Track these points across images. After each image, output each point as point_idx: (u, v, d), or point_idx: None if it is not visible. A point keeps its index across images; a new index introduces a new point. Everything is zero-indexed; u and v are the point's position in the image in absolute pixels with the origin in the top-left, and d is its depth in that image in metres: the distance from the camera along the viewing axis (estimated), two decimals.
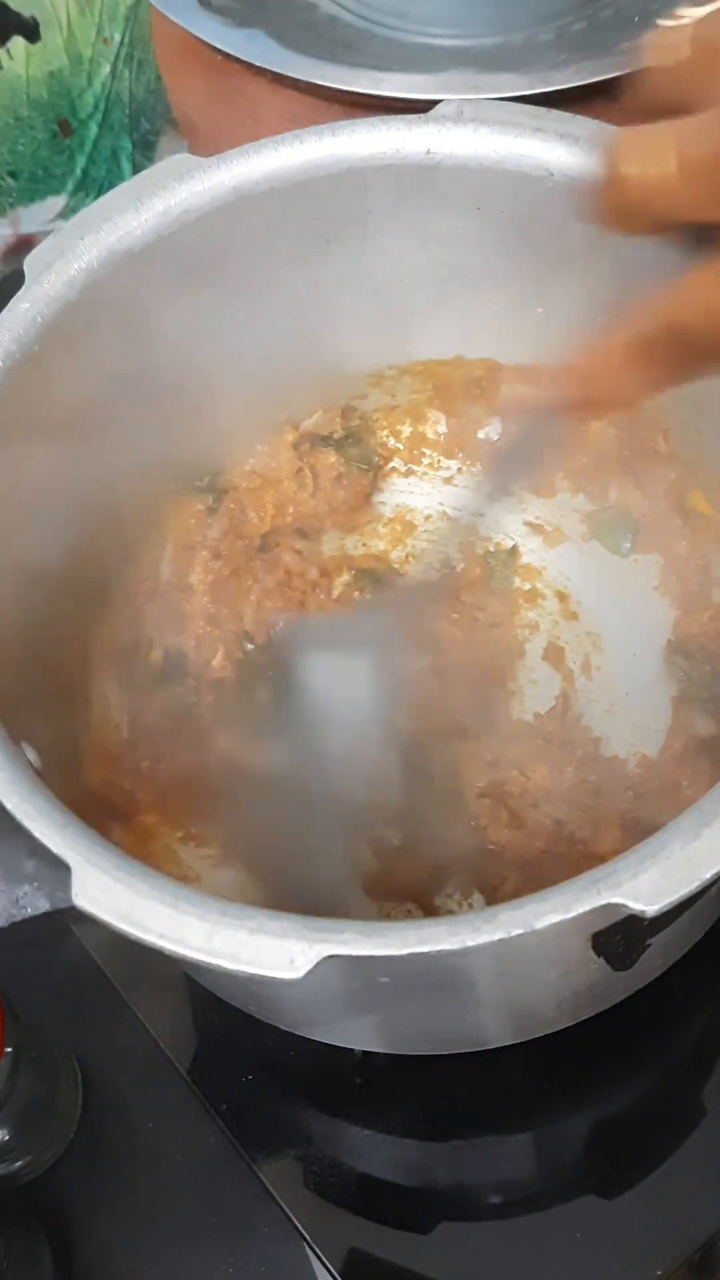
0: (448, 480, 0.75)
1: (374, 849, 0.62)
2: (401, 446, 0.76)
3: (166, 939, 0.42)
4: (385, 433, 0.75)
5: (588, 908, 0.41)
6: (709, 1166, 0.61)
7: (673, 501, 0.68)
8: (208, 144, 0.73)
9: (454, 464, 0.76)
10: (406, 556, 0.75)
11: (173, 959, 0.42)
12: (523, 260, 0.63)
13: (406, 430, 0.75)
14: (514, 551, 0.72)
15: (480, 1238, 0.61)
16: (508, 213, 0.61)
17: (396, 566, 0.74)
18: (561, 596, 0.71)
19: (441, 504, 0.75)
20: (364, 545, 0.75)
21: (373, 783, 0.61)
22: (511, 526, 0.73)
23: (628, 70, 0.62)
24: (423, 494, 0.76)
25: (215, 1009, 0.61)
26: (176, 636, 0.70)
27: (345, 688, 0.59)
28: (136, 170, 0.88)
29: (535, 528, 0.73)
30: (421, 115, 0.60)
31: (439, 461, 0.76)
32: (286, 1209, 0.61)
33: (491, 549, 0.72)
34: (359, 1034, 0.60)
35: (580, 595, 0.71)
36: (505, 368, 0.70)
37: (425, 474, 0.76)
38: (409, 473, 0.76)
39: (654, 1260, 0.59)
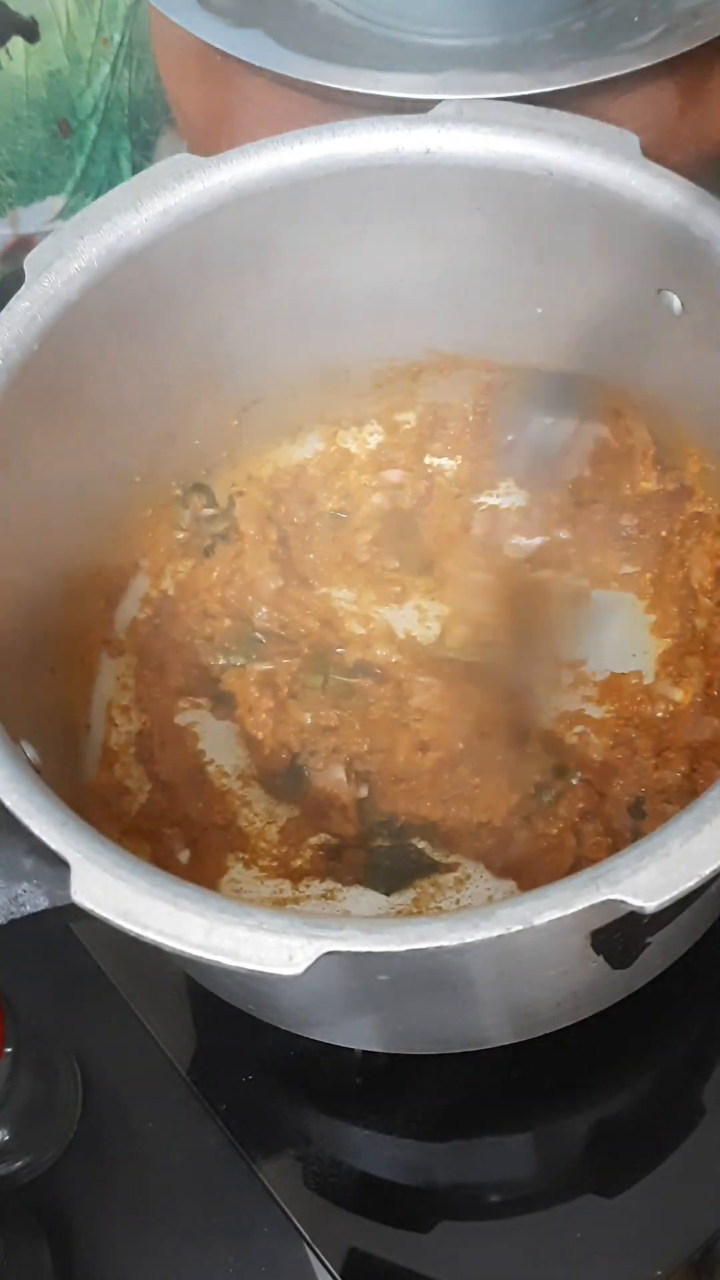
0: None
1: None
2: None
3: (165, 935, 0.42)
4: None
5: (587, 904, 0.41)
6: (709, 1166, 0.61)
7: None
8: (208, 144, 0.72)
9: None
10: None
11: (172, 958, 0.42)
12: (523, 260, 0.64)
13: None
14: None
15: (480, 1238, 0.61)
16: (508, 213, 0.61)
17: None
18: None
19: None
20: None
21: None
22: None
23: (628, 70, 0.62)
24: None
25: (215, 1009, 0.61)
26: None
27: None
28: (136, 170, 0.88)
29: None
30: (421, 115, 0.60)
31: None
32: (286, 1209, 0.61)
33: None
34: (359, 1034, 0.60)
35: None
36: (502, 367, 0.71)
37: None
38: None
39: (654, 1260, 0.58)
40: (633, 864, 0.41)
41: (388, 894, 0.64)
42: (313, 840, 0.65)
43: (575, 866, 0.62)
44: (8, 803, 0.45)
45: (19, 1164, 0.62)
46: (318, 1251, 0.60)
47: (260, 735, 0.67)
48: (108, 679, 0.69)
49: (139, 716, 0.68)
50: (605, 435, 0.70)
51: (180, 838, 0.65)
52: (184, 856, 0.65)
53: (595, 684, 0.68)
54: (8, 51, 0.82)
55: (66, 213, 0.90)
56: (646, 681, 0.67)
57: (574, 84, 0.61)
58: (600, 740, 0.65)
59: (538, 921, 0.40)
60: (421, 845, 0.65)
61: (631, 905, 0.41)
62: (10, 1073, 0.57)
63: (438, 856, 0.65)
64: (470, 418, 0.74)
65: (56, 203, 0.90)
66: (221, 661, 0.70)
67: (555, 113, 0.59)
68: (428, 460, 0.76)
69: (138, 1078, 0.65)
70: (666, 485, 0.70)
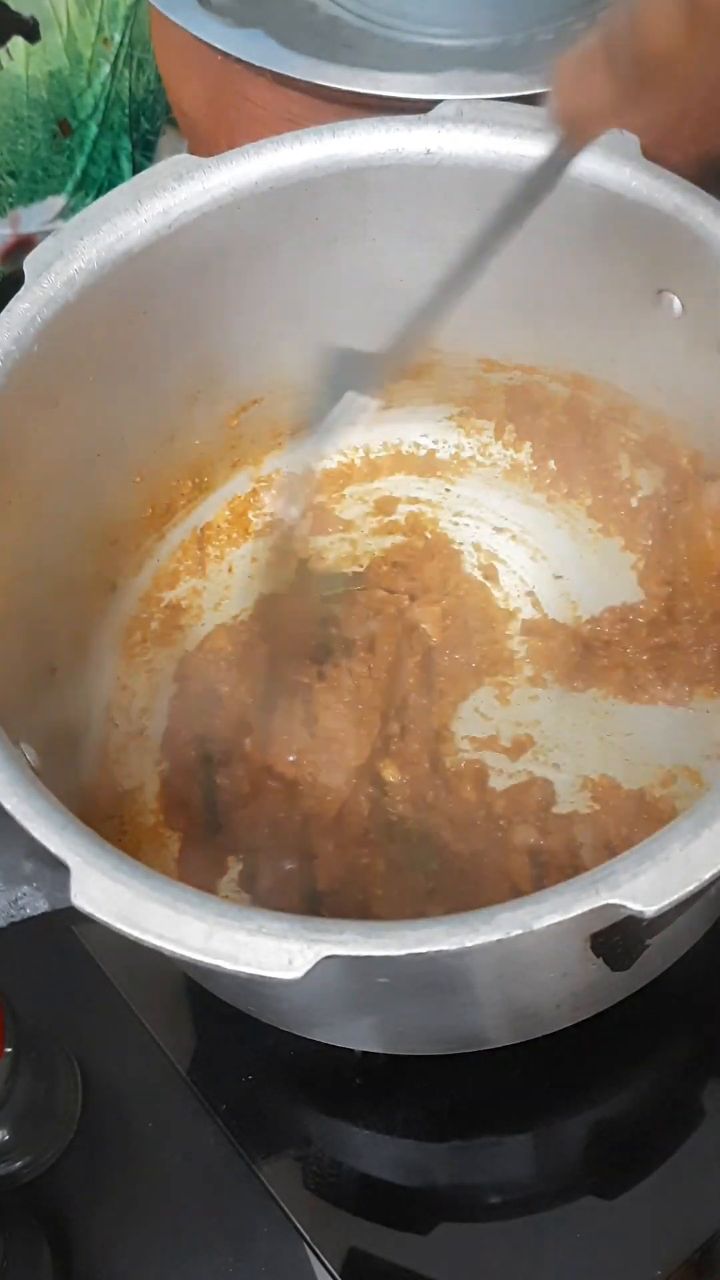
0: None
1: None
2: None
3: (165, 940, 0.42)
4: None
5: (586, 908, 0.41)
6: (709, 1166, 0.61)
7: None
8: (208, 144, 0.73)
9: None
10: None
11: (172, 959, 0.42)
12: (522, 260, 0.63)
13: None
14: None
15: (480, 1238, 0.61)
16: None
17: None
18: None
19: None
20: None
21: None
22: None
23: None
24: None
25: (215, 1009, 0.61)
26: None
27: None
28: (136, 170, 0.88)
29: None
30: (421, 115, 0.60)
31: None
32: (286, 1209, 0.61)
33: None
34: (359, 1034, 0.60)
35: None
36: (503, 367, 0.71)
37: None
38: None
39: (654, 1260, 0.59)
40: (632, 868, 0.41)
41: None
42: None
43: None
44: (8, 806, 0.45)
45: (19, 1164, 0.62)
46: (318, 1251, 0.60)
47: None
48: (108, 679, 0.69)
49: (140, 716, 0.69)
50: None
51: (180, 838, 0.65)
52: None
53: None
54: (8, 51, 0.82)
55: (67, 213, 0.90)
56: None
57: None
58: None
59: (537, 926, 0.40)
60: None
61: (631, 909, 0.41)
62: (10, 1073, 0.57)
63: None
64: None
65: (57, 203, 0.90)
66: None
67: None
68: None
69: (138, 1078, 0.65)
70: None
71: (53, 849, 0.44)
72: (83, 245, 0.58)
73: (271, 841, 0.63)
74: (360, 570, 0.71)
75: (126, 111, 0.89)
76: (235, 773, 0.65)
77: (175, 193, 0.59)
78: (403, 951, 0.40)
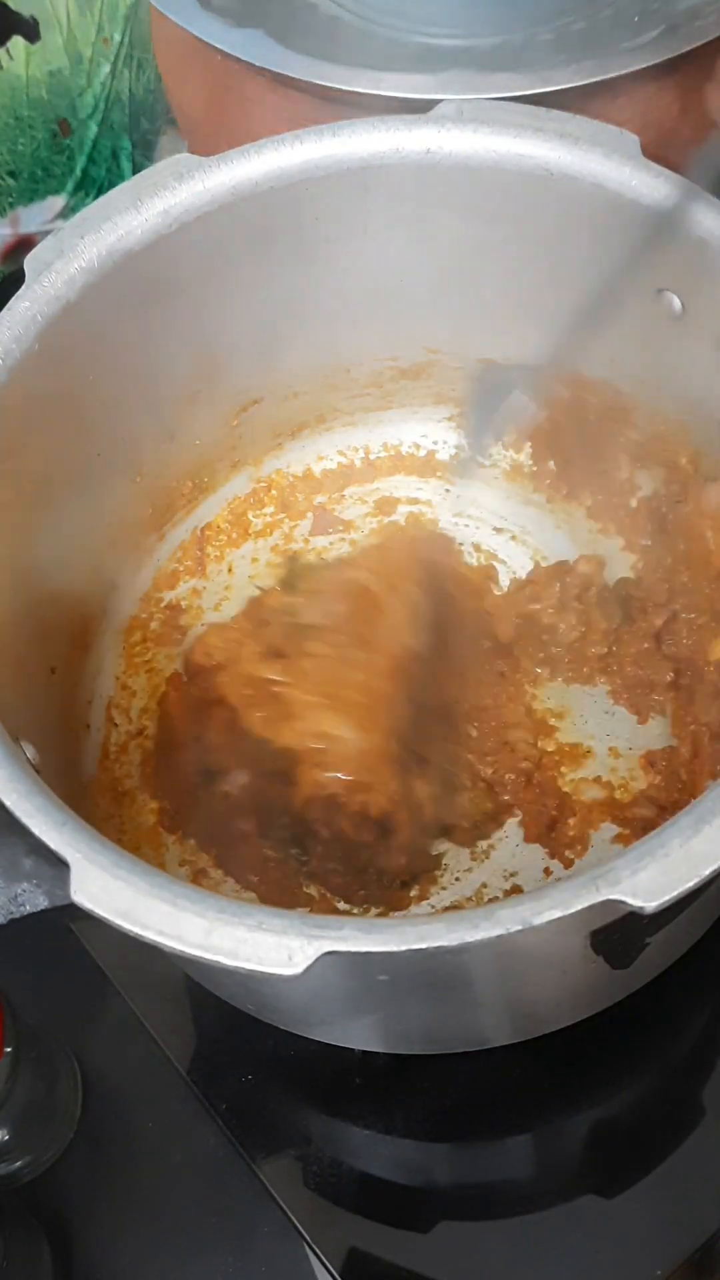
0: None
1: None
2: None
3: (165, 935, 0.42)
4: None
5: (586, 904, 0.41)
6: (709, 1166, 0.61)
7: None
8: (208, 144, 0.72)
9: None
10: None
11: (172, 958, 0.42)
12: (522, 260, 0.64)
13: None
14: None
15: (480, 1238, 0.61)
16: (508, 213, 0.61)
17: None
18: None
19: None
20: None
21: None
22: None
23: (628, 70, 0.62)
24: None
25: (215, 1009, 0.61)
26: None
27: None
28: (136, 170, 0.88)
29: None
30: (421, 115, 0.60)
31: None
32: (286, 1209, 0.61)
33: None
34: (359, 1033, 0.60)
35: None
36: (503, 367, 0.71)
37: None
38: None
39: (654, 1260, 0.58)
40: (632, 864, 0.41)
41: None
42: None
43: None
44: (7, 803, 0.45)
45: (19, 1164, 0.62)
46: (318, 1251, 0.60)
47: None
48: (108, 679, 0.69)
49: (140, 716, 0.68)
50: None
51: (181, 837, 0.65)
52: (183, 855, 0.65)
53: None
54: (8, 51, 0.82)
55: (67, 212, 0.90)
56: None
57: (574, 84, 0.61)
58: None
59: (537, 921, 0.40)
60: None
61: (631, 905, 0.41)
62: (10, 1073, 0.57)
63: None
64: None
65: (57, 202, 0.90)
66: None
67: (555, 113, 0.59)
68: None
69: (138, 1078, 0.65)
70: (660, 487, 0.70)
71: (53, 845, 0.44)
72: (83, 244, 0.58)
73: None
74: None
75: (126, 111, 0.89)
76: (238, 780, 0.65)
77: (176, 192, 0.59)
78: (402, 947, 0.40)
